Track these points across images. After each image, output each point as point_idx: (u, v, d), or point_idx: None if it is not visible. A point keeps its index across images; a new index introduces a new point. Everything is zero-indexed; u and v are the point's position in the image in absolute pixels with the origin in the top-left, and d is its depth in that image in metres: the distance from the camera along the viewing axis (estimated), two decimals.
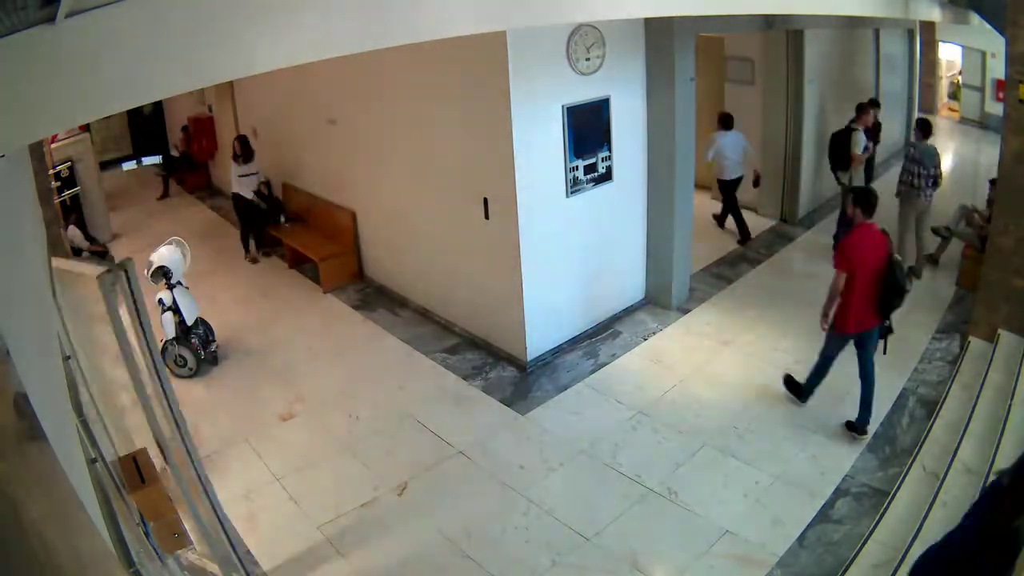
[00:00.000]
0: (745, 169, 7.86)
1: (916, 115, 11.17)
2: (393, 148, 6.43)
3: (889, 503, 4.01)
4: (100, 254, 8.28)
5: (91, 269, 3.20)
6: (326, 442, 4.98)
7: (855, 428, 4.70)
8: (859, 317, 4.48)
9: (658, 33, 5.71)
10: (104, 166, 10.53)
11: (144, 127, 12.34)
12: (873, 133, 7.85)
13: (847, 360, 5.54)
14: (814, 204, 8.92)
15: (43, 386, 2.20)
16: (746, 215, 8.08)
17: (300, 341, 6.40)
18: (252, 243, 8.22)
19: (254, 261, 8.14)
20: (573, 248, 5.72)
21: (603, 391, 5.36)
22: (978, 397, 4.65)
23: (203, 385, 5.81)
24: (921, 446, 4.46)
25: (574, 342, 5.98)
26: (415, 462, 4.70)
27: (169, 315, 5.80)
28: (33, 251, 3.38)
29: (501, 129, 5.00)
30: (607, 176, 5.78)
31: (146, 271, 5.87)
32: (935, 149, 6.97)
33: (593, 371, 5.60)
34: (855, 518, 4.01)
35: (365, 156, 6.89)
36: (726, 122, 7.74)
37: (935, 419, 4.70)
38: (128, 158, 12.89)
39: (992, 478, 2.79)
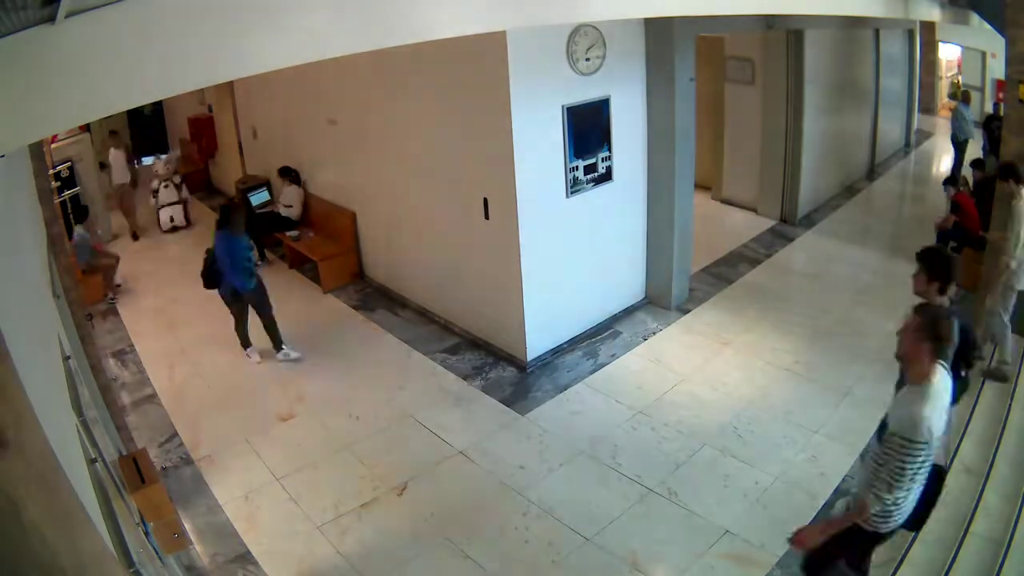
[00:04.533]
0: None
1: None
2: (393, 148, 6.43)
3: None
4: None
5: None
6: (326, 442, 4.98)
7: None
8: None
9: (658, 33, 5.71)
10: (104, 166, 10.49)
11: (144, 127, 12.33)
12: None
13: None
14: (814, 204, 8.93)
15: (43, 386, 2.21)
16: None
17: (300, 341, 6.39)
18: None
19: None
20: (573, 248, 5.72)
21: (603, 391, 5.36)
22: (978, 397, 4.65)
23: (203, 384, 5.81)
24: None
25: (574, 342, 5.98)
26: (415, 462, 4.70)
27: None
28: (33, 251, 3.38)
29: (501, 129, 5.00)
30: (607, 176, 5.78)
31: None
32: None
33: (593, 371, 5.60)
34: None
35: (365, 156, 6.89)
36: None
37: None
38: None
39: None
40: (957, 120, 10.40)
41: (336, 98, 7.05)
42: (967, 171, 7.59)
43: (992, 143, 8.69)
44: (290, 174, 8.05)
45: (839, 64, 9.21)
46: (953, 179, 7.59)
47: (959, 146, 10.35)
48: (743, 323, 6.22)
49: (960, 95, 10.82)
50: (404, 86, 5.96)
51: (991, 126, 9.03)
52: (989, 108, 13.16)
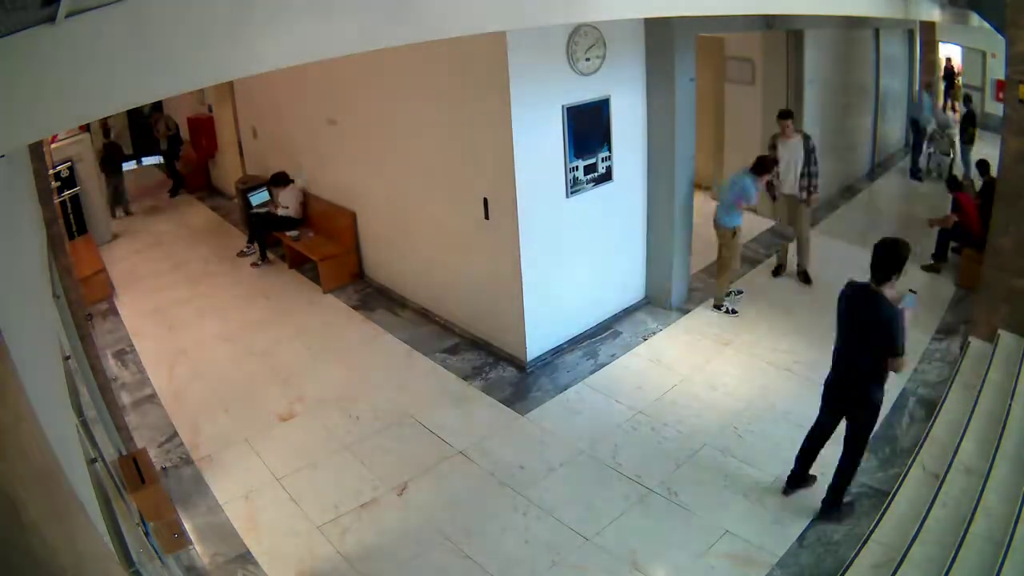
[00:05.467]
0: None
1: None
2: (393, 148, 6.43)
3: (889, 503, 4.01)
4: None
5: None
6: (326, 442, 4.98)
7: None
8: None
9: (658, 33, 5.71)
10: None
11: (144, 127, 12.34)
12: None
13: None
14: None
15: (43, 386, 2.21)
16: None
17: (300, 341, 6.40)
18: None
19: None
20: (573, 248, 5.72)
21: (603, 391, 5.36)
22: (978, 397, 4.65)
23: (203, 384, 5.81)
24: (921, 446, 4.45)
25: (574, 342, 5.98)
26: (415, 462, 4.70)
27: None
28: (33, 251, 3.39)
29: (501, 129, 5.00)
30: (607, 176, 5.78)
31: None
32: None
33: (593, 371, 5.60)
34: (855, 518, 4.01)
35: (365, 156, 6.89)
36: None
37: (935, 419, 4.70)
38: (128, 158, 12.88)
39: None
40: (919, 106, 10.76)
41: (336, 98, 7.05)
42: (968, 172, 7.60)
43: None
44: (280, 182, 8.03)
45: (839, 64, 9.21)
46: (954, 180, 7.59)
47: (919, 132, 10.62)
48: (743, 323, 6.22)
49: (924, 84, 11.36)
50: (404, 86, 5.96)
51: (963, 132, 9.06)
52: (990, 107, 13.16)
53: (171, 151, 11.33)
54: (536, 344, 5.68)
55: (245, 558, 4.01)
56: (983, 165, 7.63)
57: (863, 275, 3.75)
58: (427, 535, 4.10)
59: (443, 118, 5.67)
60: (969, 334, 5.53)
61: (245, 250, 8.38)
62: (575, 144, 5.41)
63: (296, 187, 8.04)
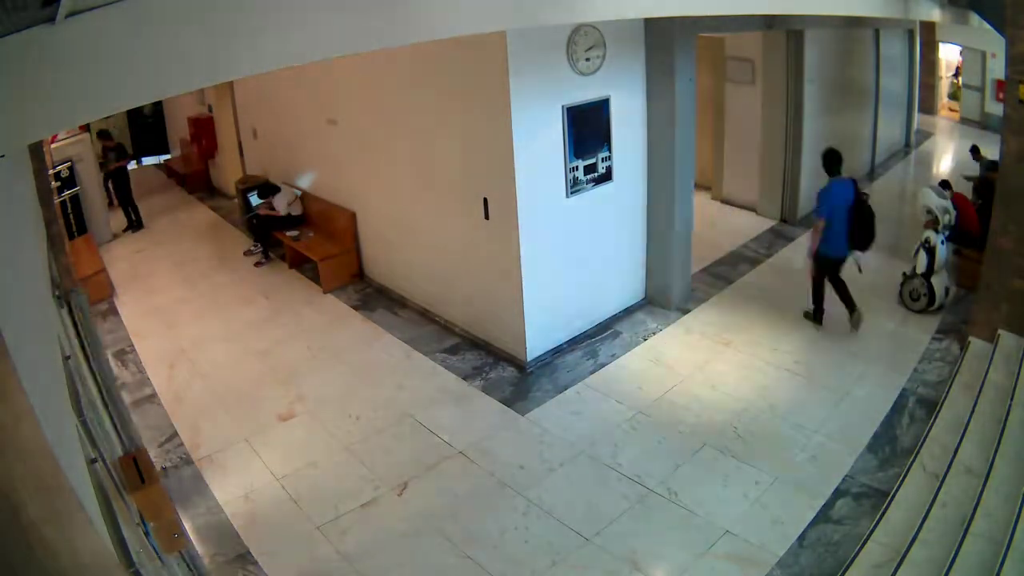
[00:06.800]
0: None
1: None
2: (393, 148, 6.43)
3: (889, 503, 4.01)
4: None
5: None
6: (326, 442, 4.98)
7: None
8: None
9: (658, 33, 5.72)
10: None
11: (144, 127, 12.36)
12: None
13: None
14: (814, 204, 8.90)
15: (43, 386, 2.20)
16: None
17: (300, 341, 6.40)
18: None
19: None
20: (573, 248, 5.72)
21: (603, 391, 5.36)
22: (978, 397, 4.65)
23: (203, 384, 5.82)
24: (921, 446, 4.46)
25: (574, 342, 5.98)
26: (415, 462, 4.70)
27: None
28: (33, 251, 3.38)
29: (501, 129, 5.01)
30: (607, 176, 5.78)
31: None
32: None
33: (593, 371, 5.60)
34: (855, 518, 4.01)
35: (365, 156, 6.89)
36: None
37: (935, 419, 4.70)
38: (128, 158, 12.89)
39: None
40: None
41: (336, 98, 7.05)
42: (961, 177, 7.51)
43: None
44: (269, 191, 8.20)
45: (839, 64, 9.21)
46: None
47: None
48: (743, 323, 6.21)
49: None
50: (404, 86, 5.96)
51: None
52: (989, 107, 13.15)
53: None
54: (536, 344, 5.68)
55: (245, 558, 4.01)
56: (991, 165, 7.59)
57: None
58: (427, 535, 4.10)
59: (443, 118, 5.67)
60: (969, 334, 5.53)
61: (252, 249, 8.40)
62: (575, 144, 5.41)
63: (288, 191, 8.08)
